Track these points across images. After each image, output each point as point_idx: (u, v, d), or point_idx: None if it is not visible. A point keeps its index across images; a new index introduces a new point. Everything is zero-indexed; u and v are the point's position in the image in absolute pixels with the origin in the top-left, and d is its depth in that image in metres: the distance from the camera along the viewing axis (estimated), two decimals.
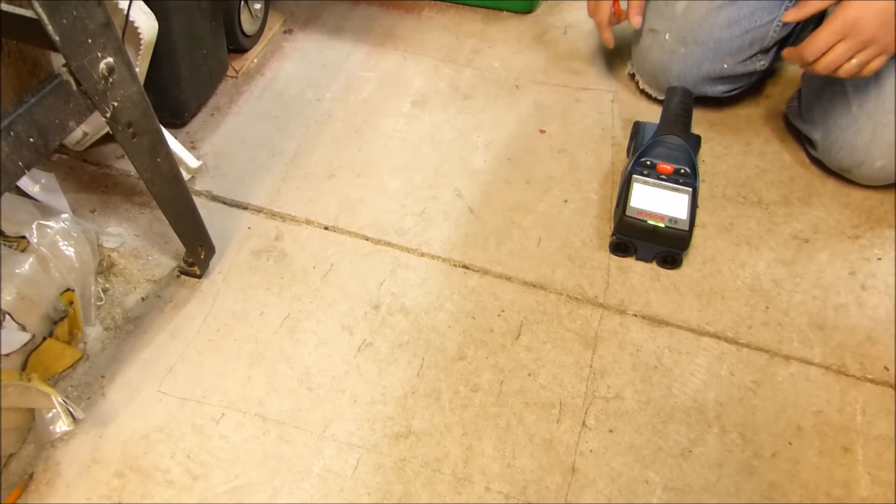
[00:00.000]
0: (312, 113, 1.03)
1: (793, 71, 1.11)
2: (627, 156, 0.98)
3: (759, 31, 0.95)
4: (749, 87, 1.04)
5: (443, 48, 1.15)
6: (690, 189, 0.84)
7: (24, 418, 0.68)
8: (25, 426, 0.69)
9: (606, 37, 1.01)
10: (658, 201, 0.84)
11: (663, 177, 0.86)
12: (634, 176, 0.86)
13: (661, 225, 0.82)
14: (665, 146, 0.88)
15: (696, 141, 0.95)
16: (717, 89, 1.00)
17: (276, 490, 0.67)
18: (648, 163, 0.87)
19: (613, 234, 0.86)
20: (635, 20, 0.99)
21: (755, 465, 0.70)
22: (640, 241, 0.84)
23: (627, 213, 0.83)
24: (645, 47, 1.02)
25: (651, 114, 1.04)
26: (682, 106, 0.93)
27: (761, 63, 0.99)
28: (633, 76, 1.09)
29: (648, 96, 1.07)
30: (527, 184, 0.95)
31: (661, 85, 1.04)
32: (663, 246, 0.84)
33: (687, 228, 0.82)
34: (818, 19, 0.89)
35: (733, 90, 1.02)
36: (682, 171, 0.86)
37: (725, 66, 0.97)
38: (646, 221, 0.82)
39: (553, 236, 0.89)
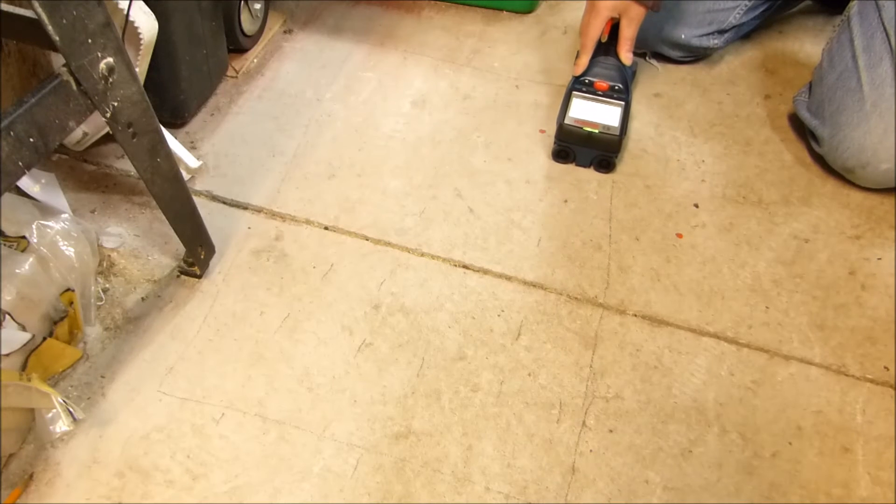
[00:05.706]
0: (312, 113, 1.03)
1: (794, 70, 1.11)
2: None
3: (721, 14, 1.03)
4: (748, 89, 1.07)
5: (443, 48, 1.15)
6: (623, 102, 0.95)
7: (24, 418, 0.68)
8: (25, 426, 0.69)
9: (583, 62, 0.97)
10: (594, 112, 0.94)
11: (599, 93, 0.96)
12: (574, 92, 0.97)
13: (596, 132, 0.92)
14: (602, 66, 0.99)
15: (633, 63, 1.02)
16: (673, 53, 1.09)
17: (276, 490, 0.67)
18: (587, 81, 0.97)
19: (555, 143, 0.96)
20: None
21: (755, 465, 0.70)
22: (578, 146, 0.94)
23: (566, 121, 0.93)
24: None
25: (648, 102, 1.04)
26: (617, 30, 1.00)
27: (715, 42, 1.06)
28: None
29: None
30: (526, 183, 0.95)
31: None
32: (598, 150, 0.94)
33: (618, 134, 0.92)
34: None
35: (686, 58, 1.10)
36: (617, 87, 0.96)
37: (682, 36, 1.05)
38: (582, 129, 0.93)
39: (553, 236, 0.89)
